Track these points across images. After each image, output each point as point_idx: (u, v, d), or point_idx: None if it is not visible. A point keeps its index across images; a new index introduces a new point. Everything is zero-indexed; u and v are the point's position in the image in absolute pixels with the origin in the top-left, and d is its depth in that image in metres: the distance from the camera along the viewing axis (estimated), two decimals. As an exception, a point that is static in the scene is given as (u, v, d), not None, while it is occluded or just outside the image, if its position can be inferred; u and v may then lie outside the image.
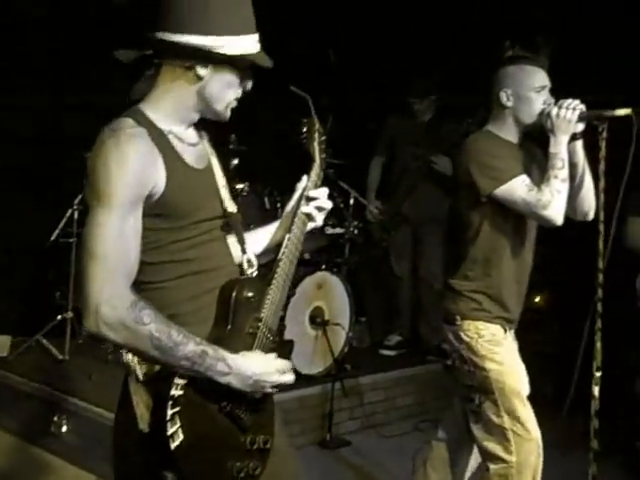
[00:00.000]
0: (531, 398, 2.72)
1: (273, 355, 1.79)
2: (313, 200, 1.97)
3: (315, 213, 1.98)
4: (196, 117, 1.82)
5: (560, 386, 2.92)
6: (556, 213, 2.53)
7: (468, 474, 2.98)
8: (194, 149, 1.82)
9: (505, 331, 2.71)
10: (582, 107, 2.53)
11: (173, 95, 1.76)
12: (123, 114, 1.72)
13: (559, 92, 2.60)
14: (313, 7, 5.38)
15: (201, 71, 1.73)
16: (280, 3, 4.67)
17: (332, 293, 4.53)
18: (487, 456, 2.68)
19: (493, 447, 2.64)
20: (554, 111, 2.53)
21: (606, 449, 2.63)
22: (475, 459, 2.92)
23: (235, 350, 1.71)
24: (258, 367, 1.72)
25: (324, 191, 2.00)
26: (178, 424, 1.61)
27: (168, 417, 1.60)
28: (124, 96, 1.79)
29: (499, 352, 2.65)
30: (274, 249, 1.96)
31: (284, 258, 1.88)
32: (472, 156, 2.65)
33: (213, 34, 1.71)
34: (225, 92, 1.78)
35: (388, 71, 5.50)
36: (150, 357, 1.64)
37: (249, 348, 1.76)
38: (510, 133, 2.69)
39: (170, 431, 1.60)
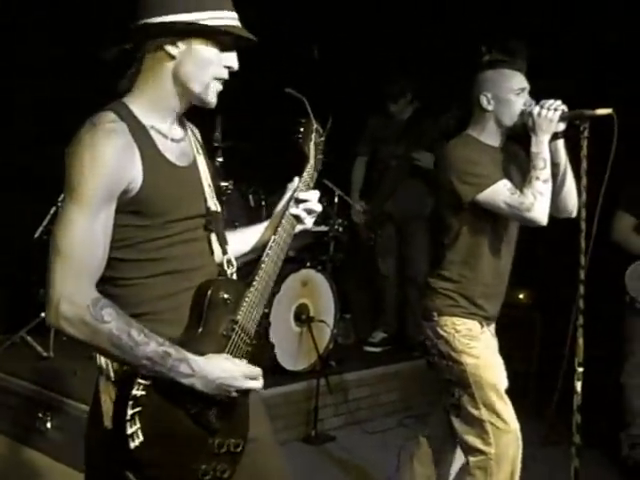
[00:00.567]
0: (516, 393, 2.76)
1: (241, 360, 1.74)
2: (303, 202, 1.95)
3: (304, 215, 1.95)
4: (177, 106, 1.77)
5: (546, 382, 2.94)
6: (540, 214, 2.57)
7: (453, 474, 2.99)
8: (177, 145, 1.78)
9: (482, 326, 2.75)
10: (564, 107, 2.56)
11: (152, 84, 1.73)
12: (106, 107, 1.69)
13: (540, 94, 2.63)
14: (297, 3, 5.38)
15: (172, 50, 1.70)
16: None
17: (317, 290, 4.55)
18: (467, 449, 2.73)
19: (473, 440, 2.69)
20: (536, 110, 2.57)
21: (589, 441, 2.67)
22: (460, 459, 2.93)
23: (205, 352, 1.67)
24: (223, 371, 1.67)
25: (315, 194, 1.97)
26: (138, 424, 1.58)
27: (128, 417, 1.58)
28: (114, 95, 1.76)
29: (476, 346, 2.70)
30: (261, 249, 1.91)
31: (267, 260, 1.84)
32: (452, 163, 2.69)
33: (195, 10, 1.68)
34: (201, 70, 1.72)
35: (371, 68, 5.50)
36: (112, 355, 1.63)
37: (222, 350, 1.72)
38: (491, 137, 2.72)
39: (129, 431, 1.58)
